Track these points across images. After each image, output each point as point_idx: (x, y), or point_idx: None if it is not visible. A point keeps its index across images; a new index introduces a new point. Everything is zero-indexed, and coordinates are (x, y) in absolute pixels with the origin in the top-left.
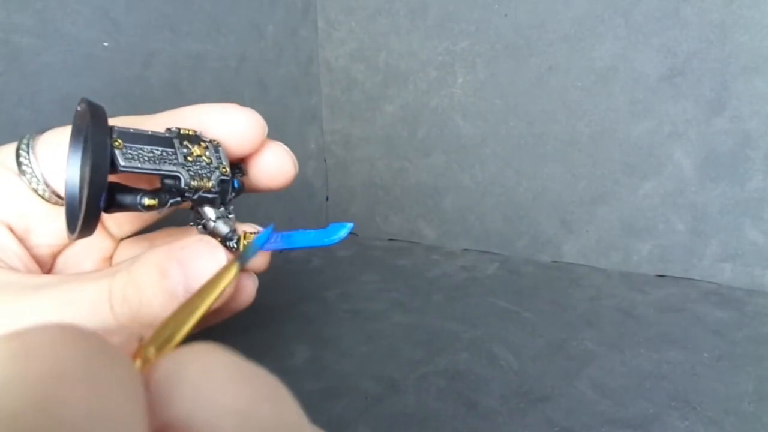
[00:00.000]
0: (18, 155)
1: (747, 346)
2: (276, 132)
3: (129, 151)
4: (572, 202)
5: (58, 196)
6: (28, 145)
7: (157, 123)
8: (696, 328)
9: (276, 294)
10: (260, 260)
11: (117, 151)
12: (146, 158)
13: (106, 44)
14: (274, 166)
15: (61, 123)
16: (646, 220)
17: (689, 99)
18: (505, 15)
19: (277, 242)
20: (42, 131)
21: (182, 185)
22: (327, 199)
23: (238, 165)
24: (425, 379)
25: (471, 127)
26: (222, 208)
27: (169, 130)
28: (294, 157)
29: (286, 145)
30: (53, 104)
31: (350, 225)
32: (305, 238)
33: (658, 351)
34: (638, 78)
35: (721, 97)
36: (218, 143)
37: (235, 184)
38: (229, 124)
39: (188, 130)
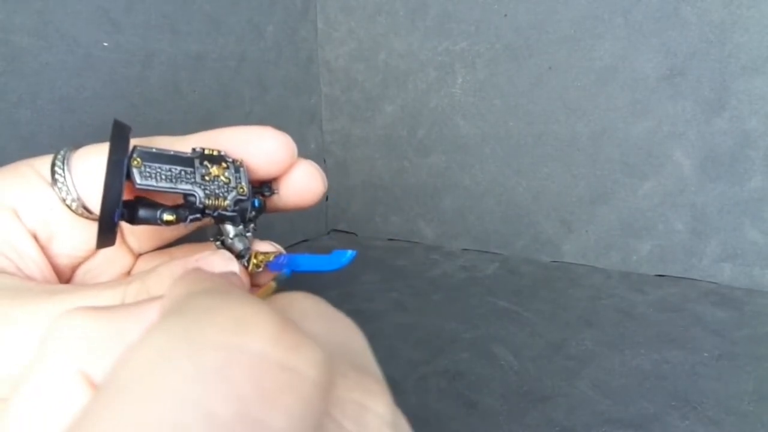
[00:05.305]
0: (53, 164)
1: (747, 345)
2: None
3: (147, 170)
4: (572, 202)
5: (86, 209)
6: (64, 157)
7: (189, 143)
8: (696, 327)
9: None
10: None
11: (135, 170)
12: (163, 177)
13: (106, 44)
14: (302, 184)
15: (61, 123)
16: (645, 220)
17: (689, 99)
18: (505, 15)
19: (284, 264)
20: (79, 145)
21: (197, 203)
22: (327, 199)
23: (268, 184)
24: (426, 379)
25: (471, 127)
26: (241, 226)
27: (194, 150)
28: (323, 175)
29: None
30: (53, 104)
31: (353, 252)
32: (310, 262)
33: (658, 351)
34: (638, 78)
35: (720, 97)
36: (240, 163)
37: (256, 204)
38: (259, 148)
39: (212, 150)
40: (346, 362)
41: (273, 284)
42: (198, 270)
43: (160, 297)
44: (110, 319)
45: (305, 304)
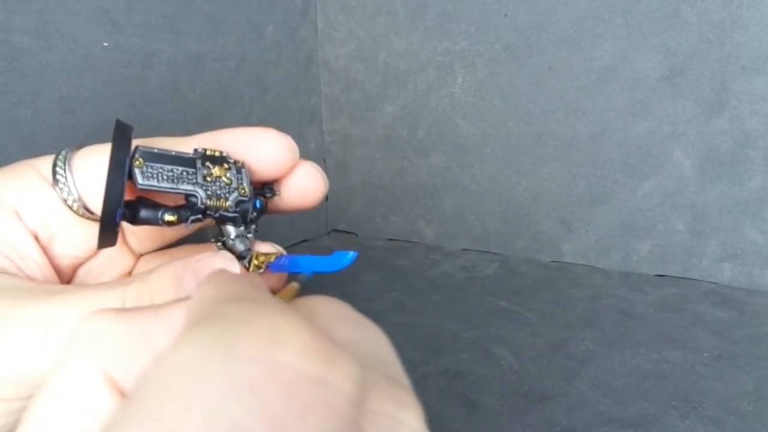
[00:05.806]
0: (55, 165)
1: (747, 345)
2: None
3: (149, 170)
4: (572, 202)
5: (87, 209)
6: (65, 158)
7: (191, 144)
8: (696, 327)
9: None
10: (274, 281)
11: (137, 170)
12: (165, 177)
13: (106, 44)
14: (304, 185)
15: (61, 123)
16: (645, 220)
17: (689, 99)
18: (505, 15)
19: (285, 266)
20: (80, 145)
21: (199, 204)
22: (327, 199)
23: (270, 185)
24: (426, 379)
25: (471, 127)
26: (242, 227)
27: (195, 150)
28: (324, 176)
29: None
30: (53, 104)
31: (354, 254)
32: (311, 263)
33: (658, 351)
34: (638, 78)
35: (720, 97)
36: (242, 164)
37: (257, 205)
38: (260, 149)
39: (214, 151)
40: (377, 372)
41: (296, 285)
42: (223, 272)
43: (186, 299)
44: (136, 321)
45: (331, 310)
